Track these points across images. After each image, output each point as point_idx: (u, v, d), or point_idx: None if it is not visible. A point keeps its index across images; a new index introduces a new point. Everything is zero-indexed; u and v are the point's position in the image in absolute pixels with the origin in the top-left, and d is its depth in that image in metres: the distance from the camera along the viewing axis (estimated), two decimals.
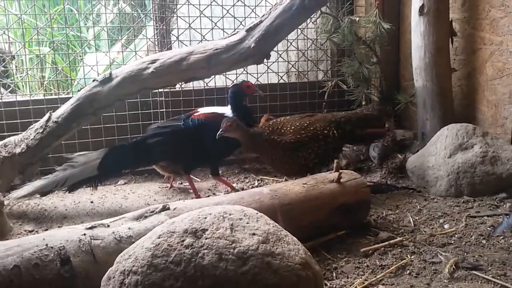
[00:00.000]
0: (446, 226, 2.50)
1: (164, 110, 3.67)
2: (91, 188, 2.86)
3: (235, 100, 3.05)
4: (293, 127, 2.80)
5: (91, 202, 2.99)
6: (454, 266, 2.03)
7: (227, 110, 3.06)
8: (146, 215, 1.93)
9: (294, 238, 1.58)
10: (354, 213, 2.42)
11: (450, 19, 3.42)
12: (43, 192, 2.80)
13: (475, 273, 2.00)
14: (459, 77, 3.61)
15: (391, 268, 2.05)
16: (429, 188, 3.02)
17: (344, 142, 3.00)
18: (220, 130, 2.64)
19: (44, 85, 4.18)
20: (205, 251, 1.41)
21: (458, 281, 1.96)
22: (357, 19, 3.72)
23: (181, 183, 3.37)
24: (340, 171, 2.43)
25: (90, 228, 1.79)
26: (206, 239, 1.44)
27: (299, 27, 3.79)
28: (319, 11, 3.72)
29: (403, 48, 4.11)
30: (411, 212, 2.69)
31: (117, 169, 2.97)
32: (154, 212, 1.94)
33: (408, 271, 2.04)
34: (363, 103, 3.86)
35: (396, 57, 4.19)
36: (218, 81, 3.97)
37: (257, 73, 3.96)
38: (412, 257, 2.16)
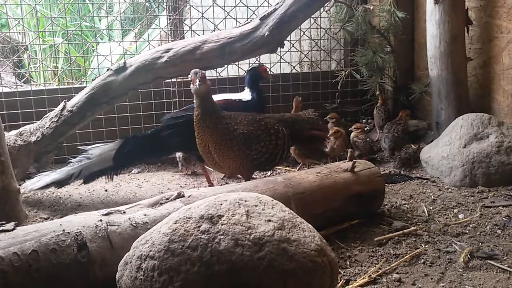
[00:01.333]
0: (460, 216, 2.48)
1: (177, 99, 3.68)
2: (107, 178, 2.87)
3: (253, 83, 3.14)
4: (245, 120, 2.62)
5: (106, 190, 3.02)
6: (469, 256, 2.02)
7: (241, 96, 3.10)
8: (162, 202, 1.94)
9: (310, 225, 1.59)
10: (368, 202, 2.42)
11: (466, 7, 3.38)
12: (59, 183, 2.79)
13: (490, 262, 1.99)
14: (474, 66, 3.57)
15: (405, 257, 2.05)
16: (443, 178, 3.00)
17: (292, 141, 2.80)
18: (198, 83, 2.44)
19: (58, 75, 4.21)
20: (221, 236, 1.42)
21: (473, 270, 1.95)
22: (371, 8, 3.69)
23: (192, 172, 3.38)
24: (354, 160, 2.42)
25: (107, 214, 1.81)
26: (222, 225, 1.45)
27: (312, 16, 3.76)
28: (333, 0, 3.69)
29: (418, 37, 4.06)
30: (425, 202, 2.68)
31: (132, 160, 2.99)
32: (169, 199, 1.95)
33: (422, 260, 2.04)
34: (377, 92, 3.84)
35: (411, 46, 4.15)
36: (231, 71, 3.97)
37: (270, 63, 3.94)
38: (426, 246, 2.15)
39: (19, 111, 3.35)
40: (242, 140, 2.49)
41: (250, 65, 3.92)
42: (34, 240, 1.64)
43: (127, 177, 3.27)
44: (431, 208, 2.59)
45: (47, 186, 2.75)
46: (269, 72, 3.36)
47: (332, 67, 4.40)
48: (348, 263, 2.02)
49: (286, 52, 3.99)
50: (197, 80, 2.41)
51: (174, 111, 3.48)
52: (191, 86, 2.45)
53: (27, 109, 3.36)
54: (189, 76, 2.48)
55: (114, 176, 2.86)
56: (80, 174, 2.76)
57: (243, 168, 2.59)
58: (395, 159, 3.36)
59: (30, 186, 2.75)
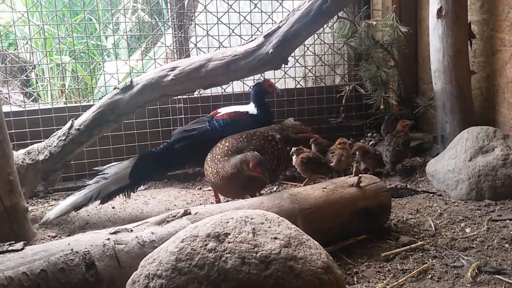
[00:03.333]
0: (467, 230, 2.47)
1: (183, 116, 3.71)
2: (124, 197, 2.88)
3: (258, 98, 3.22)
4: (243, 138, 2.71)
5: (113, 207, 3.04)
6: (476, 270, 2.02)
7: (247, 108, 3.17)
8: (168, 220, 1.96)
9: (316, 242, 1.59)
10: (375, 217, 2.42)
11: (469, 21, 3.40)
12: (79, 207, 2.78)
13: (498, 277, 1.98)
14: (478, 80, 3.58)
15: (413, 273, 2.04)
16: (450, 192, 3.00)
17: (287, 145, 2.97)
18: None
19: (65, 93, 4.26)
20: (228, 255, 1.43)
21: (481, 285, 1.94)
22: (374, 23, 3.72)
23: (200, 188, 3.40)
24: (360, 175, 2.43)
25: (114, 233, 1.83)
26: (228, 243, 1.46)
27: (316, 32, 3.80)
28: (336, 16, 3.72)
29: (421, 51, 4.09)
30: (431, 216, 2.67)
31: (148, 176, 3.02)
32: (176, 217, 1.97)
33: (430, 275, 2.03)
34: (381, 107, 3.85)
35: (414, 60, 4.17)
36: (236, 87, 4.00)
37: (275, 78, 3.97)
38: (434, 261, 2.14)
39: (27, 129, 3.39)
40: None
41: (255, 81, 3.96)
42: (43, 259, 1.66)
43: (133, 194, 3.29)
44: (438, 222, 2.59)
45: (68, 211, 2.75)
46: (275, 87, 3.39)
47: (336, 82, 4.42)
48: (355, 279, 2.02)
49: (291, 67, 4.02)
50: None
51: (185, 125, 3.53)
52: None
53: (35, 127, 3.39)
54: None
55: (132, 194, 2.87)
56: (99, 195, 2.77)
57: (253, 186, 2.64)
58: (399, 172, 3.37)
59: (51, 217, 2.72)
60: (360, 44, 3.75)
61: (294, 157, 3.12)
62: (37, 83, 5.22)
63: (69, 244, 1.75)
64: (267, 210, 2.02)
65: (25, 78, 4.67)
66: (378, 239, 2.37)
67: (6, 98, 3.79)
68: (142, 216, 2.86)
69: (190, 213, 2.00)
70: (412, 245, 2.27)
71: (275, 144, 2.78)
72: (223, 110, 3.24)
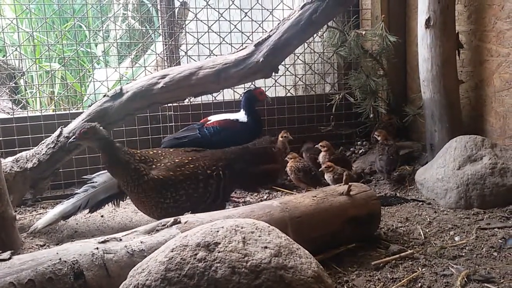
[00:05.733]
0: (456, 239, 2.49)
1: (173, 124, 3.71)
2: (113, 205, 2.85)
3: (248, 105, 3.25)
4: (169, 163, 2.52)
5: (102, 216, 3.01)
6: (465, 279, 2.02)
7: (237, 116, 3.17)
8: (158, 229, 1.94)
9: (306, 251, 1.59)
10: (364, 226, 2.42)
11: (457, 31, 3.45)
12: (67, 216, 2.75)
13: (487, 285, 1.99)
14: (466, 89, 3.62)
15: (403, 281, 2.04)
16: (439, 200, 3.02)
17: (234, 184, 2.69)
18: (73, 137, 2.54)
19: (54, 101, 4.23)
20: (218, 264, 1.42)
21: None
22: (363, 32, 3.76)
23: None
24: (350, 184, 2.43)
25: (103, 242, 1.81)
26: (219, 252, 1.45)
27: (306, 41, 3.83)
28: (326, 25, 3.76)
29: (410, 60, 4.13)
30: (421, 224, 2.68)
31: None
32: (166, 226, 1.96)
33: (419, 284, 2.03)
34: (371, 115, 3.88)
35: (403, 70, 4.21)
36: (226, 95, 4.01)
37: (265, 86, 3.98)
38: (423, 269, 2.15)
39: (16, 137, 3.36)
40: (151, 187, 2.43)
41: (246, 89, 3.97)
42: (31, 269, 1.64)
43: (122, 202, 3.26)
44: (427, 230, 2.60)
45: (56, 220, 2.71)
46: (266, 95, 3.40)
47: (326, 90, 4.45)
48: None
49: (281, 76, 4.04)
50: (74, 136, 2.49)
51: (175, 132, 3.52)
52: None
53: (24, 135, 3.37)
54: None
55: (121, 202, 2.84)
56: (88, 204, 2.74)
57: (150, 213, 2.54)
58: (391, 180, 3.39)
59: (39, 226, 2.68)
60: (350, 53, 3.79)
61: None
62: (26, 90, 5.18)
63: (57, 253, 1.73)
64: (257, 218, 2.01)
65: (13, 85, 4.63)
66: (368, 248, 2.37)
67: None
68: (131, 225, 2.84)
69: (180, 222, 1.99)
70: (402, 254, 2.27)
71: (204, 186, 2.51)
72: (213, 118, 3.26)
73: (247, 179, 2.73)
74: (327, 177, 3.13)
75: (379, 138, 3.51)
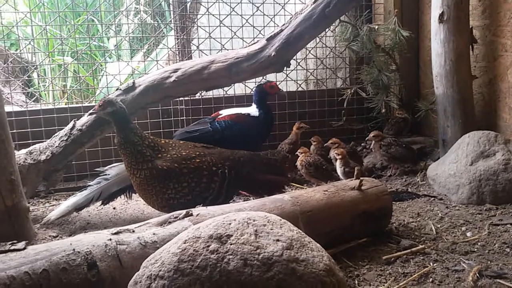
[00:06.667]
0: (468, 234, 2.47)
1: (184, 118, 3.73)
2: (126, 198, 2.87)
3: (259, 99, 3.25)
4: (175, 154, 2.51)
5: (114, 208, 3.04)
6: (477, 274, 2.01)
7: (249, 110, 3.18)
8: (170, 221, 1.95)
9: (318, 245, 1.59)
10: (376, 221, 2.42)
11: (471, 26, 3.41)
12: (80, 208, 2.77)
13: (499, 281, 1.98)
14: (480, 84, 3.59)
15: (414, 276, 2.04)
16: (451, 196, 3.00)
17: (236, 186, 2.65)
18: (92, 109, 2.59)
19: (67, 94, 4.27)
20: (230, 256, 1.43)
21: None
22: (376, 27, 3.74)
23: None
24: (361, 178, 2.43)
25: (116, 233, 1.82)
26: (231, 244, 1.46)
27: (318, 35, 3.81)
28: (338, 20, 3.74)
29: (423, 55, 4.10)
30: (432, 219, 2.67)
31: None
32: (178, 218, 1.97)
33: (431, 279, 2.03)
34: (383, 110, 3.86)
35: (416, 65, 4.18)
36: (238, 89, 4.01)
37: (276, 81, 3.97)
38: (435, 265, 2.14)
39: (29, 130, 3.39)
40: (154, 175, 2.44)
41: (257, 83, 3.97)
42: (45, 259, 1.66)
43: (134, 195, 3.28)
44: (438, 226, 2.59)
45: (69, 212, 2.74)
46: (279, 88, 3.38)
47: (338, 85, 4.43)
48: (356, 282, 2.02)
49: (292, 70, 4.03)
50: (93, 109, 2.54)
51: (186, 126, 3.53)
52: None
53: (37, 127, 3.40)
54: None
55: (133, 195, 2.85)
56: (100, 196, 2.76)
57: (150, 201, 2.55)
58: (399, 175, 3.40)
59: (52, 217, 2.71)
60: (362, 48, 3.77)
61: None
62: (39, 83, 5.23)
63: (71, 244, 1.75)
64: (268, 212, 2.01)
65: (27, 78, 4.68)
66: (379, 242, 2.37)
67: (8, 98, 3.80)
68: (143, 217, 2.87)
69: (191, 215, 2.00)
70: (413, 249, 2.27)
71: (207, 181, 2.51)
72: (225, 112, 3.27)
73: (251, 184, 2.71)
74: (338, 168, 3.13)
75: (374, 140, 3.48)
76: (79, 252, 1.71)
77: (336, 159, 3.21)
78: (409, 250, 2.26)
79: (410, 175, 3.46)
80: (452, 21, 3.32)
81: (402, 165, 3.48)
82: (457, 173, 2.98)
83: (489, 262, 2.16)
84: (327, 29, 3.85)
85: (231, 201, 2.68)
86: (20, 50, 5.15)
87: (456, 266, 2.13)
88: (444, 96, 3.45)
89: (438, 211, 2.80)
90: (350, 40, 3.82)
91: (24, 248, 1.73)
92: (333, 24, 3.80)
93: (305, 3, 3.10)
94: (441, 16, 3.34)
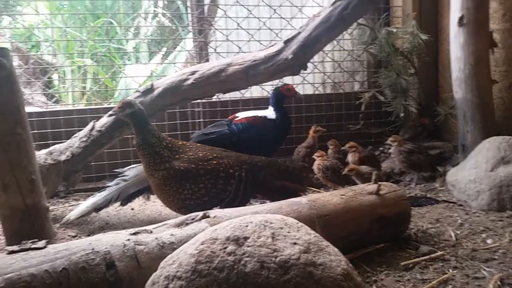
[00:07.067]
0: (489, 241, 2.43)
1: (201, 120, 3.74)
2: (144, 199, 2.89)
3: (276, 102, 3.24)
4: (192, 156, 2.53)
5: (132, 209, 3.06)
6: (499, 283, 1.98)
7: (266, 113, 3.19)
8: (187, 222, 1.96)
9: (336, 249, 1.58)
10: (394, 226, 2.39)
11: (491, 30, 3.36)
12: (99, 208, 2.79)
13: None
14: (500, 89, 3.54)
15: (433, 283, 2.01)
16: (471, 202, 2.95)
17: (253, 190, 2.64)
18: (111, 111, 2.61)
19: (86, 95, 4.32)
20: (247, 258, 1.42)
21: None
22: (394, 30, 3.72)
23: None
24: (379, 183, 2.41)
25: (134, 233, 1.84)
26: (248, 246, 1.46)
27: (336, 38, 3.80)
28: (356, 23, 3.72)
29: (442, 59, 4.05)
30: (452, 226, 2.63)
31: None
32: (195, 220, 1.97)
33: (450, 286, 2.00)
34: (401, 114, 3.82)
35: (435, 68, 4.14)
36: (254, 92, 4.02)
37: (293, 84, 3.97)
38: (454, 272, 2.11)
39: (49, 130, 3.44)
40: (171, 175, 2.45)
41: (274, 86, 3.97)
42: (65, 258, 1.67)
43: (152, 196, 3.31)
44: (458, 232, 2.55)
45: (88, 212, 2.77)
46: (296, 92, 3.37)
47: (355, 89, 4.41)
48: (374, 287, 2.00)
49: (309, 73, 4.03)
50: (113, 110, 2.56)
51: (203, 128, 3.54)
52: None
53: (57, 128, 3.45)
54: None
55: (151, 196, 2.87)
56: (119, 197, 2.78)
57: (166, 202, 2.56)
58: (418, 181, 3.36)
59: (72, 217, 2.74)
60: (380, 51, 3.75)
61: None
62: (58, 85, 5.31)
63: (90, 243, 1.76)
64: (285, 215, 2.00)
65: (47, 79, 4.75)
66: (397, 248, 2.34)
67: (29, 99, 3.86)
68: (161, 218, 2.88)
69: (208, 216, 2.01)
70: (432, 255, 2.24)
71: (224, 184, 2.51)
72: (242, 115, 3.27)
73: (267, 189, 2.71)
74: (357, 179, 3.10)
75: (393, 144, 3.42)
76: (98, 251, 1.72)
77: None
78: (428, 256, 2.23)
79: (429, 180, 3.42)
80: (471, 24, 3.28)
81: (421, 173, 3.44)
82: (477, 179, 2.93)
83: (510, 270, 2.11)
84: (344, 32, 3.83)
85: (248, 204, 2.68)
86: (41, 52, 5.23)
87: (476, 273, 2.09)
88: (463, 100, 3.40)
89: (458, 217, 2.76)
90: (368, 43, 3.80)
91: (45, 247, 1.75)
92: (351, 27, 3.79)
93: (322, 6, 3.10)
94: (460, 19, 3.30)
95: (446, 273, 2.09)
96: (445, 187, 3.25)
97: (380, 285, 2.02)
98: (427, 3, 4.05)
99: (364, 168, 3.12)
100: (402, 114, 3.82)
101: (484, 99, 3.36)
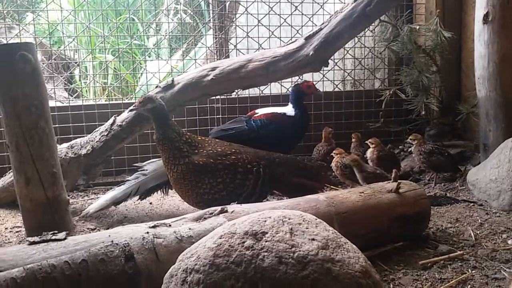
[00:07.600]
0: (509, 242, 2.39)
1: (220, 116, 3.75)
2: (162, 193, 2.91)
3: (296, 98, 3.23)
4: (211, 151, 2.54)
5: (150, 203, 3.09)
6: None
7: (285, 110, 3.17)
8: (205, 217, 1.97)
9: (354, 246, 1.57)
10: (413, 225, 2.37)
11: None
12: (118, 202, 2.83)
13: None
14: None
15: (451, 282, 1.99)
16: (491, 202, 2.90)
17: (270, 186, 2.64)
18: (133, 105, 2.62)
19: (108, 91, 4.37)
20: (265, 253, 1.43)
21: None
22: (417, 27, 3.67)
23: None
24: (399, 181, 2.38)
25: (153, 227, 1.85)
26: (266, 241, 1.46)
27: (358, 35, 3.77)
28: (378, 19, 3.68)
29: (465, 57, 3.99)
30: (471, 225, 2.60)
31: None
32: (213, 214, 1.99)
33: (469, 286, 1.97)
34: (423, 112, 3.78)
35: (457, 66, 4.07)
36: (273, 88, 4.01)
37: (313, 81, 3.95)
38: (473, 272, 2.08)
39: (71, 124, 3.50)
40: (190, 170, 2.47)
41: (293, 83, 3.96)
42: (84, 250, 1.70)
43: (170, 191, 3.33)
44: (478, 232, 2.51)
45: (107, 206, 2.81)
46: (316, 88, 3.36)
47: (376, 86, 4.37)
48: (391, 286, 1.99)
49: (329, 70, 4.00)
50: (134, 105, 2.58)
51: (222, 124, 3.56)
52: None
53: (78, 123, 3.50)
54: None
55: (169, 190, 2.89)
56: (138, 191, 2.81)
57: (185, 196, 2.57)
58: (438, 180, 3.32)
59: (91, 210, 2.78)
60: (402, 48, 3.71)
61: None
62: (80, 80, 5.38)
63: (109, 236, 1.79)
64: (303, 211, 2.00)
65: (69, 75, 4.82)
66: (416, 247, 2.31)
67: (51, 93, 3.92)
68: (179, 212, 2.91)
69: (227, 211, 2.02)
70: (451, 255, 2.21)
71: (242, 179, 2.53)
72: (261, 111, 3.27)
73: (285, 185, 2.72)
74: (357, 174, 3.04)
75: (413, 143, 3.37)
76: (117, 244, 1.74)
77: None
78: (446, 256, 2.20)
79: (449, 180, 3.37)
80: (497, 21, 3.21)
81: (442, 173, 3.39)
82: (499, 179, 2.88)
83: None
84: (366, 29, 3.80)
85: (265, 200, 2.68)
86: (64, 48, 5.31)
87: (496, 274, 2.06)
88: (486, 99, 3.34)
89: (478, 217, 2.72)
90: (390, 40, 3.76)
91: (65, 239, 1.78)
92: (373, 24, 3.75)
93: (344, 2, 3.07)
94: (485, 16, 3.23)
95: (465, 273, 2.06)
96: (465, 186, 3.20)
97: (397, 283, 2.00)
98: (451, 0, 3.99)
99: (369, 167, 3.08)
100: (423, 112, 3.77)
101: (508, 98, 3.30)
